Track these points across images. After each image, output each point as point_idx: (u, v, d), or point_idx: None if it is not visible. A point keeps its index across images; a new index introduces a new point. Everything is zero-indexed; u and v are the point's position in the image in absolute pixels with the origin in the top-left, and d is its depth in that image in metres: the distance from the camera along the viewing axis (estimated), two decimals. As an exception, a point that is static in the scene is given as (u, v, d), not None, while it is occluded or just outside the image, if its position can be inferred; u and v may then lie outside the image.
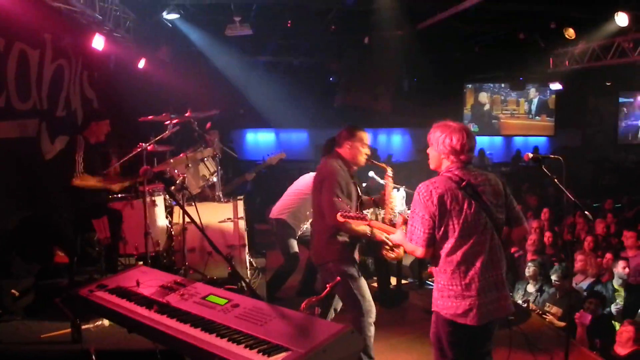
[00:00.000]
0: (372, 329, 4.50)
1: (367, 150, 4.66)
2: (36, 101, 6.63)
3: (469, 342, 3.55)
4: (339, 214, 4.06)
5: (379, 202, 4.89)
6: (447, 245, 3.42)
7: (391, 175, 4.84)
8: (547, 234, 8.30)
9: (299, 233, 6.55)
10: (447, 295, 3.45)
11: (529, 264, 7.34)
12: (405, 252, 4.17)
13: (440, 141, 3.55)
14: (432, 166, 3.67)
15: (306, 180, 6.42)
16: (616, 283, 6.85)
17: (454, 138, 3.50)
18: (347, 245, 4.48)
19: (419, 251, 3.49)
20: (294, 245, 6.52)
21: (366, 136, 4.67)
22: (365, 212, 4.69)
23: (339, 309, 4.92)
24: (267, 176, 12.37)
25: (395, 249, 4.42)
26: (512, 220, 3.63)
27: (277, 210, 6.54)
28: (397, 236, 3.83)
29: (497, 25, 11.87)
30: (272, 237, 7.01)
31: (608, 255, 7.35)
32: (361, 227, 4.28)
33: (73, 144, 5.80)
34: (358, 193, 4.65)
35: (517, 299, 7.05)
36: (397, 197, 6.65)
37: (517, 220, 3.66)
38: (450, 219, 3.39)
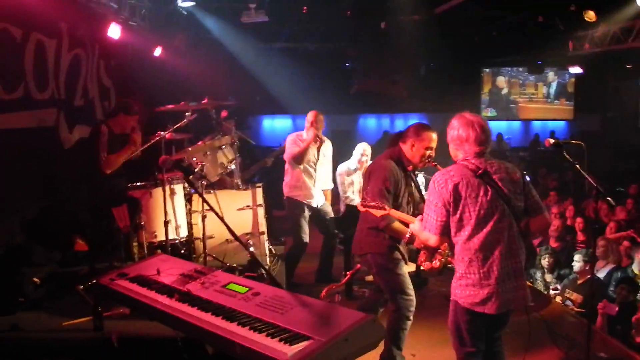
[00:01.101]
0: (409, 323, 4.44)
1: (430, 153, 4.45)
2: (54, 91, 6.66)
3: (486, 330, 3.57)
4: (360, 203, 4.05)
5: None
6: (464, 233, 3.40)
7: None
8: (579, 220, 8.25)
9: (311, 205, 6.65)
10: (465, 284, 3.44)
11: (544, 254, 7.30)
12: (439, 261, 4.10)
13: (453, 134, 3.57)
14: (453, 159, 3.65)
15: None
16: (637, 269, 6.77)
17: (466, 131, 3.50)
18: (387, 239, 4.41)
19: (432, 239, 3.50)
20: (302, 224, 6.61)
21: (433, 137, 4.45)
22: None
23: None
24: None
25: (433, 259, 4.19)
26: (531, 209, 3.58)
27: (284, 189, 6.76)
28: (415, 226, 3.81)
29: (516, 8, 11.70)
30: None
31: (625, 243, 7.26)
32: (400, 227, 4.22)
33: (97, 133, 5.81)
34: (411, 193, 4.53)
35: (536, 286, 7.01)
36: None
37: (537, 210, 3.60)
38: (467, 207, 3.37)
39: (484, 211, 3.36)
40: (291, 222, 6.73)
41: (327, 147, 6.86)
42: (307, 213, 6.65)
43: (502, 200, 3.40)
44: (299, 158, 6.50)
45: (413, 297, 4.46)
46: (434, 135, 4.44)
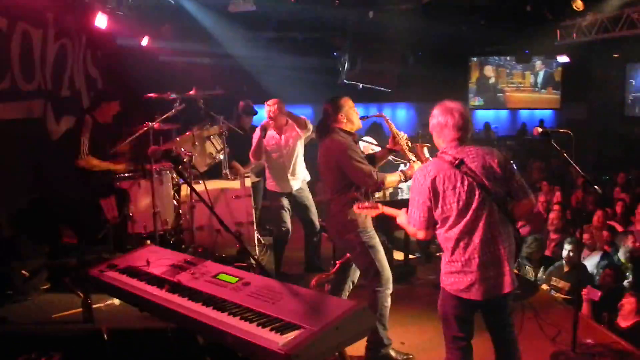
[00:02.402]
0: (389, 300, 4.55)
1: (357, 111, 4.73)
2: (40, 81, 6.61)
3: (483, 316, 3.68)
4: (355, 206, 4.17)
5: (392, 147, 4.89)
6: (447, 224, 3.48)
7: (388, 118, 4.98)
8: (556, 207, 8.27)
9: (286, 192, 6.39)
10: (449, 272, 3.54)
11: (529, 242, 7.36)
12: None
13: (434, 122, 3.64)
14: (437, 147, 3.72)
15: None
16: (623, 257, 6.84)
17: (444, 117, 3.57)
18: (366, 217, 4.50)
19: (420, 234, 3.61)
20: (281, 214, 6.36)
21: (350, 100, 4.73)
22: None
23: (355, 281, 4.94)
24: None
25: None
26: (514, 193, 3.59)
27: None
28: (401, 218, 3.87)
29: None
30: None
31: (605, 233, 7.35)
32: (394, 178, 4.56)
33: (80, 124, 5.80)
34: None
35: (523, 274, 7.07)
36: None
37: (521, 193, 3.59)
38: (446, 199, 3.45)
39: (462, 201, 3.43)
40: (272, 213, 6.61)
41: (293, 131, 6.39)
42: (285, 203, 6.39)
43: (480, 188, 3.43)
44: (255, 154, 6.25)
45: (390, 273, 4.57)
46: (349, 98, 4.75)
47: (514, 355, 3.79)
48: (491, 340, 3.81)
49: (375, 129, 12.29)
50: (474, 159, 3.49)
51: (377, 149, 5.54)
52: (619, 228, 7.77)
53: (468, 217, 3.43)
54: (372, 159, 4.83)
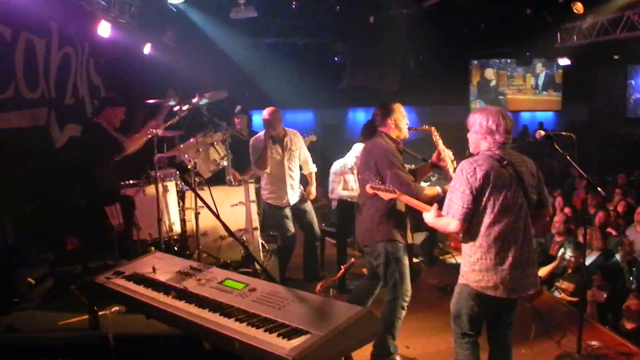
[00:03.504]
0: (404, 312, 4.53)
1: (406, 121, 4.67)
2: (44, 90, 6.64)
3: (493, 314, 3.77)
4: (369, 185, 4.13)
5: (437, 162, 4.75)
6: (487, 221, 3.54)
7: (437, 133, 4.79)
8: (567, 210, 8.31)
9: (289, 204, 6.36)
10: (478, 269, 3.59)
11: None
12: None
13: (477, 123, 3.66)
14: (471, 149, 3.75)
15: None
16: (620, 260, 6.84)
17: (490, 119, 3.61)
18: (397, 226, 4.49)
19: (454, 224, 3.58)
20: (285, 224, 6.32)
21: (402, 108, 4.67)
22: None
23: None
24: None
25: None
26: (541, 202, 3.75)
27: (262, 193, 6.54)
28: (432, 213, 3.78)
29: (504, 0, 11.75)
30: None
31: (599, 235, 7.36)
32: (432, 191, 4.37)
33: (95, 128, 5.81)
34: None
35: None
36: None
37: (544, 203, 3.80)
38: (492, 195, 3.50)
39: (507, 201, 3.51)
40: (274, 223, 6.58)
41: (294, 140, 6.44)
42: (287, 212, 6.36)
43: (523, 192, 3.56)
44: (261, 163, 6.18)
45: (410, 287, 4.56)
46: (401, 105, 4.67)
47: (508, 355, 3.89)
48: (487, 339, 3.89)
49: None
50: (520, 164, 3.61)
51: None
52: (613, 232, 7.76)
53: (510, 217, 3.52)
54: (413, 172, 4.71)
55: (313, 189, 6.64)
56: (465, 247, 3.68)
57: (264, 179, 6.40)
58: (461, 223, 3.55)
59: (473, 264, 3.61)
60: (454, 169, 4.54)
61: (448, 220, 3.60)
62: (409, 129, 4.70)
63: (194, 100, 6.34)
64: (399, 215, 4.49)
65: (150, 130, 5.77)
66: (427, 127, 4.84)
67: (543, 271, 6.93)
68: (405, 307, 4.54)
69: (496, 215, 3.51)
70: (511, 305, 3.77)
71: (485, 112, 3.65)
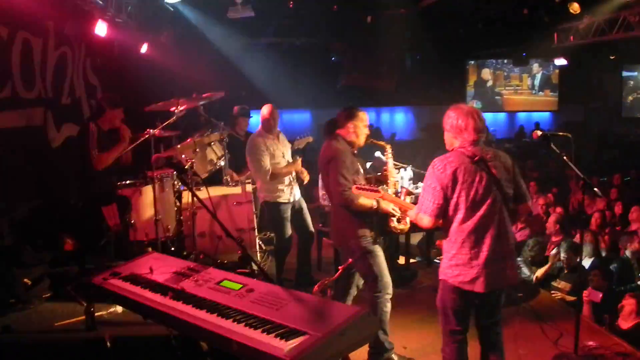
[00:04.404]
0: (389, 305, 4.57)
1: (367, 130, 4.74)
2: (41, 90, 6.63)
3: (476, 311, 3.78)
4: (354, 186, 4.18)
5: (382, 179, 4.96)
6: (459, 216, 3.58)
7: (390, 152, 4.99)
8: (558, 210, 8.30)
9: (289, 202, 6.27)
10: (455, 264, 3.62)
11: (531, 244, 7.39)
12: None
13: (449, 123, 3.72)
14: (447, 147, 3.80)
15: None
16: (631, 256, 6.85)
17: (460, 119, 3.66)
18: (367, 223, 4.52)
19: (426, 220, 3.66)
20: (284, 224, 6.21)
21: (366, 116, 4.74)
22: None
23: (360, 286, 4.92)
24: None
25: (402, 220, 4.63)
26: (519, 196, 3.77)
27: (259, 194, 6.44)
28: (413, 212, 3.89)
29: (501, 0, 11.77)
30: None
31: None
32: (367, 202, 4.38)
33: (86, 131, 5.79)
34: (360, 173, 4.67)
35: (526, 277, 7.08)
36: (404, 177, 6.67)
37: (523, 197, 3.81)
38: (463, 191, 3.54)
39: (478, 196, 3.55)
40: (273, 224, 6.44)
41: (281, 134, 6.40)
42: (288, 212, 6.25)
43: (495, 186, 3.59)
44: (276, 177, 6.07)
45: (390, 280, 4.58)
46: (365, 114, 4.73)
47: (499, 352, 3.89)
48: (478, 337, 3.89)
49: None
50: (492, 159, 3.64)
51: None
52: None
53: (482, 212, 3.55)
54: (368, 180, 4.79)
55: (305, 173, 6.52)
56: (443, 243, 3.74)
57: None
58: (433, 219, 3.62)
59: (450, 260, 3.65)
60: (395, 192, 4.82)
61: (422, 216, 3.68)
62: (367, 139, 4.77)
63: (192, 99, 6.31)
64: (367, 213, 4.50)
65: (147, 130, 5.75)
66: (383, 143, 5.04)
67: (539, 272, 6.96)
68: (390, 300, 4.56)
69: (468, 210, 3.55)
70: (493, 300, 3.76)
71: (457, 111, 3.70)
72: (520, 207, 3.81)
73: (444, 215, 3.62)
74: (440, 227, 3.73)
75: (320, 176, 7.20)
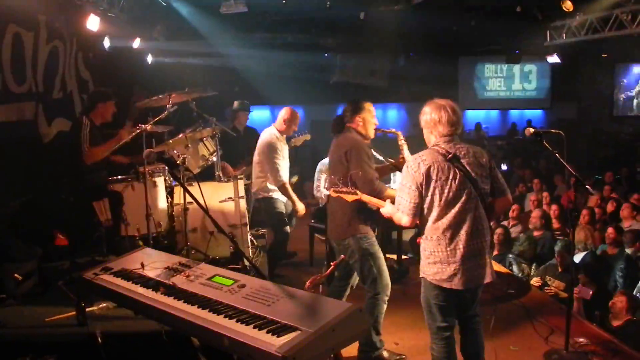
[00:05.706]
0: (385, 306, 4.55)
1: (375, 121, 4.73)
2: (32, 84, 6.58)
3: (457, 306, 3.81)
4: (332, 189, 4.21)
5: (397, 164, 4.96)
6: (434, 214, 3.61)
7: (403, 138, 4.97)
8: (554, 207, 8.36)
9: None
10: (432, 262, 3.66)
11: (521, 240, 7.44)
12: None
13: (423, 118, 3.79)
14: (428, 145, 3.81)
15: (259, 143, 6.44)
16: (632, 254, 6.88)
17: (433, 113, 3.72)
18: (368, 221, 4.52)
19: (405, 219, 3.70)
20: (283, 218, 6.49)
21: (373, 107, 4.73)
22: None
23: (355, 286, 4.92)
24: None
25: None
26: (497, 191, 3.81)
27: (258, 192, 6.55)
28: (387, 208, 4.01)
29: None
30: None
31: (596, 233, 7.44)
32: (392, 192, 4.35)
33: (78, 125, 5.76)
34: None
35: (517, 273, 7.11)
36: (396, 174, 6.68)
37: (501, 192, 3.84)
38: (437, 189, 3.58)
39: (452, 193, 3.57)
40: (269, 219, 6.63)
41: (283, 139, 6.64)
42: (282, 208, 6.50)
43: (470, 182, 3.61)
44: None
45: (389, 281, 4.58)
46: (372, 105, 4.73)
47: (478, 343, 3.94)
48: (458, 330, 3.93)
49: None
50: (466, 155, 3.65)
51: (380, 157, 5.53)
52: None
53: (457, 209, 3.57)
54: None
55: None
56: (421, 241, 3.77)
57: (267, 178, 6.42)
58: (411, 218, 3.66)
59: (428, 257, 3.68)
60: None
61: (400, 215, 3.71)
62: (376, 129, 4.77)
63: (184, 94, 6.30)
64: (369, 209, 4.48)
65: (139, 125, 5.72)
66: (394, 130, 5.02)
67: (533, 280, 6.98)
68: (386, 301, 4.55)
69: (442, 208, 3.58)
70: (471, 297, 3.80)
71: (430, 106, 3.75)
72: (498, 201, 3.84)
73: (420, 213, 3.65)
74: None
75: (317, 171, 7.31)
